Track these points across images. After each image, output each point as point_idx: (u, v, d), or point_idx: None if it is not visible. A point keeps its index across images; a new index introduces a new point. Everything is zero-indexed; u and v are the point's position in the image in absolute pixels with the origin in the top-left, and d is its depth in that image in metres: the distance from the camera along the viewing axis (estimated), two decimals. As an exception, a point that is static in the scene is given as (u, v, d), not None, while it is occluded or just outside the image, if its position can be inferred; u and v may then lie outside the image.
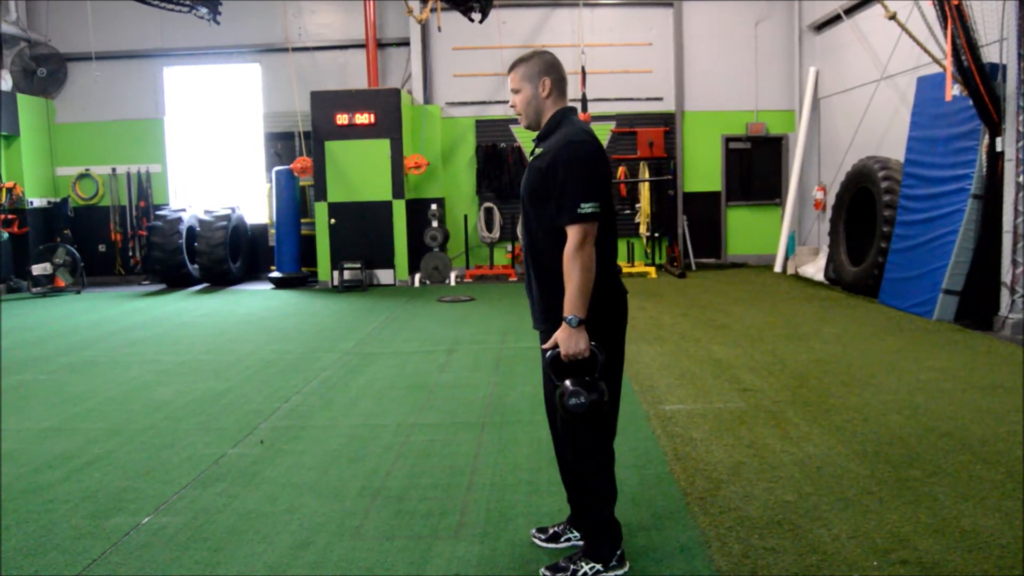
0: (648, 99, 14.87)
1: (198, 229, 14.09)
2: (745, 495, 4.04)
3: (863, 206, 10.92)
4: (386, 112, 13.43)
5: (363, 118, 13.38)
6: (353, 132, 13.41)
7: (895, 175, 10.09)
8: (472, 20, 13.15)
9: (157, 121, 15.69)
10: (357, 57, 15.13)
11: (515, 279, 13.78)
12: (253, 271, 15.04)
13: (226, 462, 4.77)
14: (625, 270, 13.76)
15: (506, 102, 14.63)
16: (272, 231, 14.36)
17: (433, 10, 12.93)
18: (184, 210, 14.64)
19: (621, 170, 14.52)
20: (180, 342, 8.88)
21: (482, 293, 12.23)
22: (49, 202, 15.36)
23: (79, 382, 7.06)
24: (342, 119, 13.38)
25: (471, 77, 14.84)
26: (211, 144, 16.02)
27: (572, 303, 2.99)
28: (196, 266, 14.16)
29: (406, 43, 15.00)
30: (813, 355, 7.19)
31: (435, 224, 14.02)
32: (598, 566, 3.24)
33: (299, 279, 13.89)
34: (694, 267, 14.59)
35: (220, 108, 15.92)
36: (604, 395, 3.03)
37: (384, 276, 13.58)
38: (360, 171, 13.45)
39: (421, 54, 14.84)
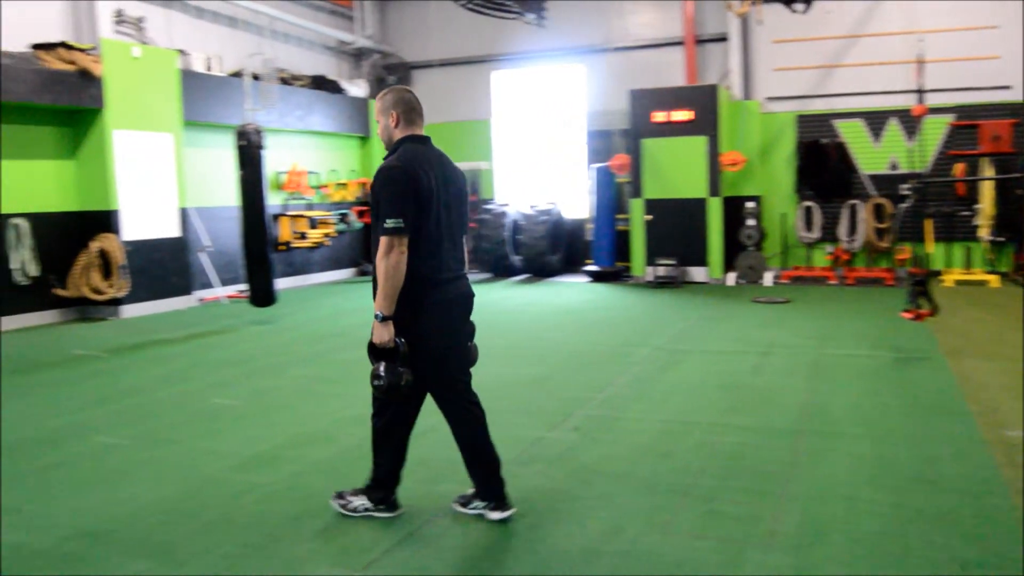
0: (993, 88, 13.32)
1: (521, 223, 14.91)
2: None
3: None
4: (703, 109, 13.31)
5: (680, 115, 13.37)
6: (670, 129, 13.45)
7: None
8: (795, 11, 12.62)
9: (485, 122, 16.82)
10: (675, 55, 15.14)
11: (835, 282, 13.06)
12: (571, 264, 15.62)
13: (543, 444, 5.05)
14: (959, 277, 12.53)
15: (830, 95, 13.96)
16: (590, 226, 14.81)
17: (753, 2, 12.59)
18: (508, 205, 15.55)
19: (960, 167, 13.14)
20: (504, 327, 9.48)
21: (799, 295, 11.74)
22: (393, 196, 17.04)
23: (416, 360, 7.80)
24: (659, 116, 13.47)
25: (792, 71, 14.24)
26: (535, 143, 16.86)
27: (378, 301, 3.68)
28: (519, 258, 15.00)
29: (724, 38, 14.74)
30: None
31: (751, 222, 13.68)
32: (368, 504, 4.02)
33: (614, 273, 14.21)
34: (1049, 276, 12.88)
35: (544, 108, 16.70)
36: (401, 380, 3.66)
37: (697, 273, 13.51)
38: (676, 168, 13.47)
39: (740, 49, 14.50)
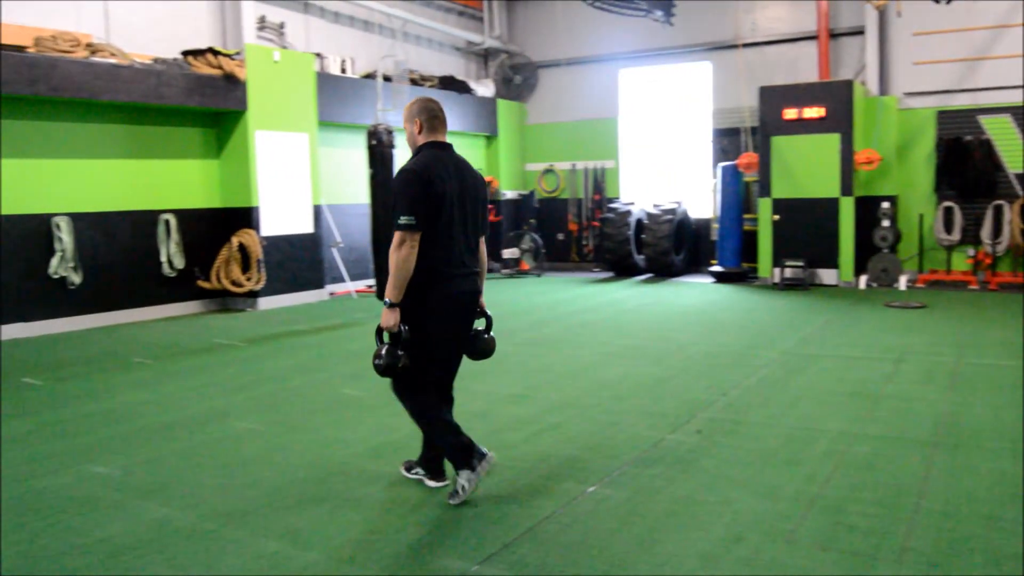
0: None
1: (645, 222, 14.80)
2: None
3: None
4: (836, 105, 12.86)
5: (812, 112, 12.96)
6: (801, 127, 13.06)
7: None
8: (938, 2, 12.01)
9: (612, 120, 16.76)
10: (807, 50, 14.66)
11: (976, 287, 12.38)
12: (694, 264, 15.41)
13: (665, 446, 5.02)
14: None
15: (974, 89, 13.20)
16: (715, 226, 14.56)
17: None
18: (633, 203, 15.45)
19: None
20: (626, 327, 9.45)
21: (936, 300, 11.20)
22: (519, 194, 17.24)
23: (539, 355, 7.90)
24: (790, 114, 13.10)
25: (934, 65, 13.53)
26: (660, 141, 16.69)
27: (388, 289, 4.00)
28: (642, 257, 14.90)
29: (860, 32, 14.17)
30: None
31: (886, 223, 13.13)
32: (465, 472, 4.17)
33: (739, 274, 13.93)
34: None
35: (671, 106, 16.50)
36: (399, 362, 4.02)
37: (827, 276, 13.06)
38: (807, 167, 13.07)
39: (877, 42, 13.90)
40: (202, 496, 4.37)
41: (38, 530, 3.97)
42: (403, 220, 3.95)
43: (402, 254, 3.95)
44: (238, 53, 11.36)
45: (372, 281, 10.88)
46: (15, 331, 9.48)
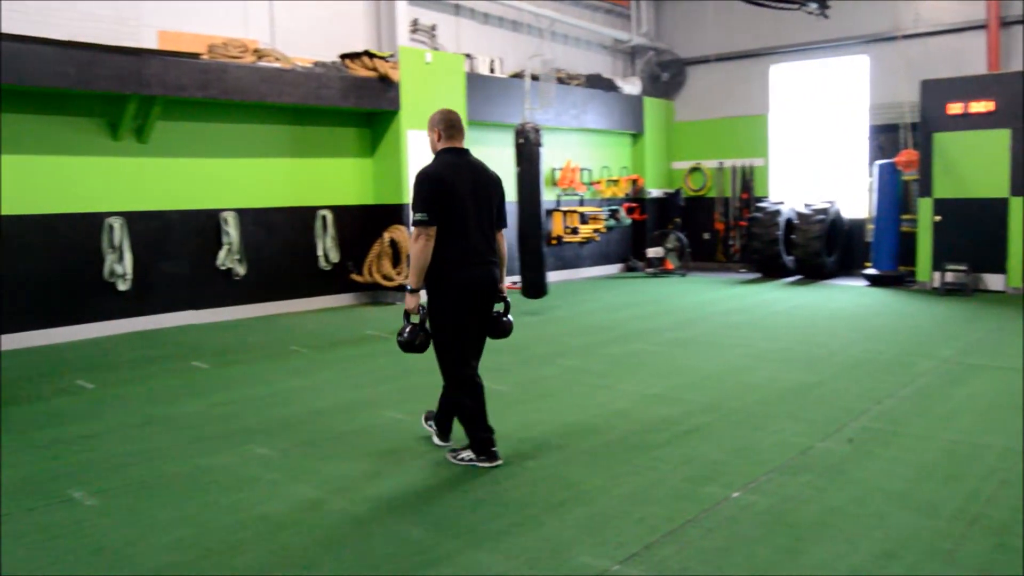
0: None
1: (796, 222, 14.34)
2: None
3: None
4: (1007, 99, 12.01)
5: (980, 106, 12.17)
6: (966, 122, 12.29)
7: None
8: None
9: (762, 117, 16.30)
10: (974, 40, 13.78)
11: None
12: (847, 266, 14.79)
13: (814, 454, 4.87)
14: None
15: None
16: (870, 227, 13.93)
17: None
18: (782, 203, 14.99)
19: None
20: (773, 330, 9.20)
21: (1122, 310, 10.32)
22: (664, 193, 17.05)
23: (683, 356, 7.81)
24: (954, 108, 12.35)
25: None
26: (813, 138, 16.11)
27: (410, 277, 4.64)
28: (791, 258, 14.44)
29: (1035, 20, 13.21)
30: None
31: (1064, 225, 12.19)
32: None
33: (895, 278, 13.27)
34: None
35: (824, 102, 15.89)
36: (417, 339, 4.66)
37: (993, 281, 12.25)
38: (973, 165, 12.29)
39: (1057, 30, 12.92)
40: (353, 480, 4.58)
41: (204, 504, 4.27)
42: (418, 217, 4.53)
43: (418, 246, 4.55)
44: (392, 55, 11.75)
45: (517, 277, 11.03)
46: (185, 318, 10.19)
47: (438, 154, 4.80)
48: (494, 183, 4.85)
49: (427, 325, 4.70)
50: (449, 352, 4.76)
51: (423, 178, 4.62)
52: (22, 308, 8.93)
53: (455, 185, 4.62)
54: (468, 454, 4.80)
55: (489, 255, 4.79)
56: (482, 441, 4.76)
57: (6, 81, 8.21)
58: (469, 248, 4.68)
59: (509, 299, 5.03)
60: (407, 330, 4.67)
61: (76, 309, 9.33)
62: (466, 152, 4.82)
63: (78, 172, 9.35)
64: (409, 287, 4.64)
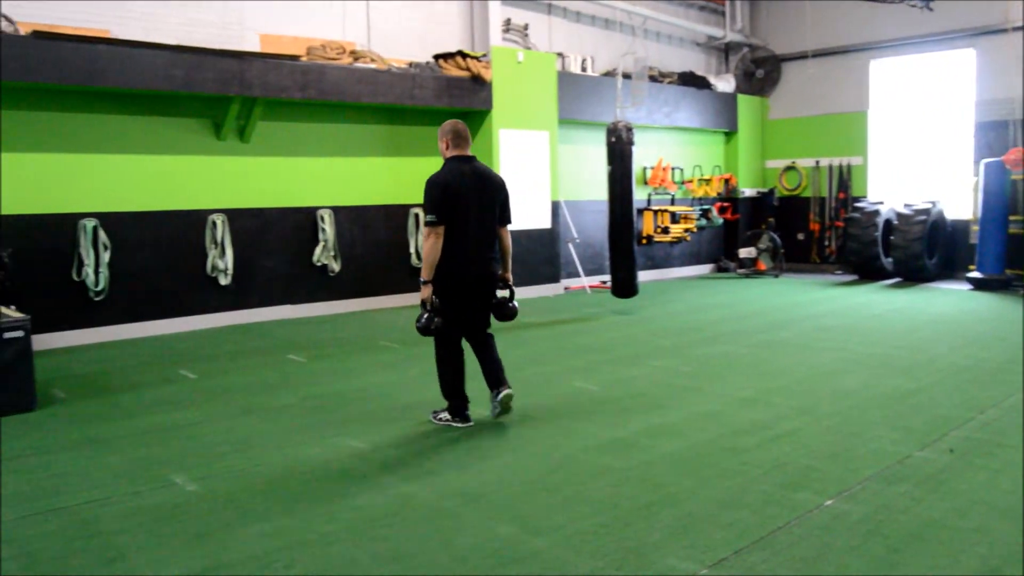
0: None
1: (895, 222, 13.87)
2: None
3: None
4: None
5: (1103, 102, 11.56)
6: (1088, 119, 11.68)
7: None
8: None
9: (861, 114, 15.82)
10: (1102, 31, 13.07)
11: None
12: (949, 269, 14.23)
13: (911, 463, 4.72)
14: None
15: None
16: (975, 228, 13.37)
17: None
18: (881, 203, 14.52)
19: None
20: (869, 334, 8.93)
21: None
22: (758, 192, 16.73)
23: (774, 359, 7.66)
24: (1075, 104, 11.75)
25: None
26: (914, 136, 15.54)
27: (423, 270, 5.30)
28: (890, 259, 13.98)
29: None
30: None
31: None
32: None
33: (1002, 282, 12.70)
34: None
35: (927, 98, 15.31)
36: (432, 324, 5.27)
37: (1112, 287, 11.62)
38: (1092, 164, 11.68)
39: None
40: (443, 475, 4.65)
41: (297, 494, 4.41)
42: (427, 218, 5.23)
43: (429, 244, 5.24)
44: (485, 55, 11.86)
45: (607, 277, 11.00)
46: (283, 312, 10.51)
47: (446, 161, 5.43)
48: (497, 186, 5.51)
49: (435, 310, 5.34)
50: (448, 331, 5.48)
51: (432, 184, 5.29)
52: (133, 300, 9.37)
53: (460, 189, 5.28)
54: (445, 415, 5.61)
55: (489, 252, 5.49)
56: (457, 407, 5.58)
57: (117, 84, 8.62)
58: (469, 245, 5.37)
59: (513, 287, 5.78)
60: (424, 317, 5.28)
61: (180, 302, 9.74)
62: (472, 159, 5.46)
63: (184, 171, 9.76)
64: (423, 279, 5.29)
